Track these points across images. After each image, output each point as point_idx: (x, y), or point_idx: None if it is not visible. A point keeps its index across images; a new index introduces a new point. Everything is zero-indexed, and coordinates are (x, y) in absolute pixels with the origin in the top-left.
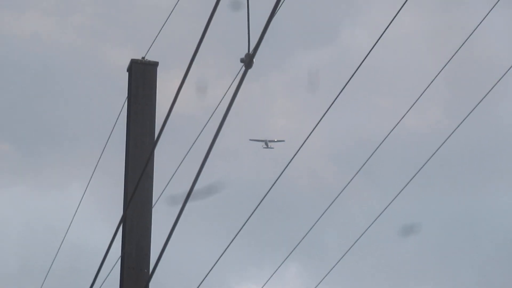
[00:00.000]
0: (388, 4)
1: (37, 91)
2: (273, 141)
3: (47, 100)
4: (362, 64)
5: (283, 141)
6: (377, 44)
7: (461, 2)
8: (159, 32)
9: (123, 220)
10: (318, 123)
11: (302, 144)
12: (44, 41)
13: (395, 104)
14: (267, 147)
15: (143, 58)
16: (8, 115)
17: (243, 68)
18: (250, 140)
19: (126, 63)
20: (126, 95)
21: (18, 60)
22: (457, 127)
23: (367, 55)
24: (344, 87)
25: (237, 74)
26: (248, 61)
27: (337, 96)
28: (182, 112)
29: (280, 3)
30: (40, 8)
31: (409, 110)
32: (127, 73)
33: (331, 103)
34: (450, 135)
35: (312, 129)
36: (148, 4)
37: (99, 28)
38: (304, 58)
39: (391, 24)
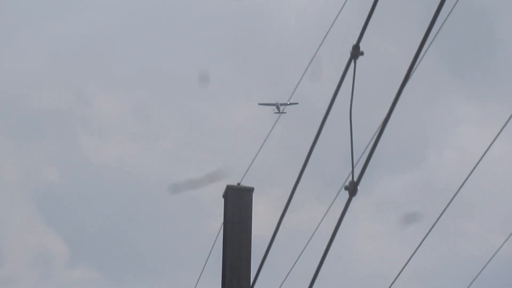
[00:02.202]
0: (477, 126)
1: (126, 217)
2: None
3: (136, 227)
4: (451, 188)
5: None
6: (466, 167)
7: None
8: (254, 158)
9: None
10: (413, 254)
11: (394, 281)
12: (129, 167)
13: (487, 229)
14: None
15: (238, 184)
16: (99, 243)
17: (346, 194)
18: None
19: (221, 189)
20: (221, 221)
21: (106, 187)
22: None
23: (463, 184)
24: (440, 215)
25: (334, 200)
26: (352, 188)
27: (434, 225)
28: (278, 237)
29: (380, 130)
30: (124, 135)
31: (508, 238)
32: (223, 199)
33: (427, 232)
34: None
35: (407, 261)
36: (234, 129)
37: (187, 154)
38: (391, 181)
39: (478, 146)
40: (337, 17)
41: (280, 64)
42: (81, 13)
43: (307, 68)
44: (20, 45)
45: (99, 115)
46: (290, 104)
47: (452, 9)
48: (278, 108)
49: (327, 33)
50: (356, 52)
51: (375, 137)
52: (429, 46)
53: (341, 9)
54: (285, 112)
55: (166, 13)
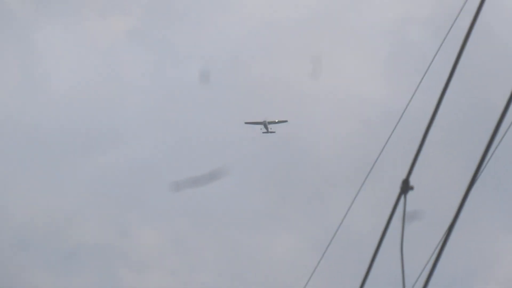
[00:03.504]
0: None
1: None
2: None
3: None
4: None
5: None
6: None
7: None
8: None
9: None
10: None
11: None
12: None
13: None
14: None
15: None
16: None
17: None
18: None
19: None
20: None
21: None
22: None
23: None
24: None
25: None
26: None
27: None
28: None
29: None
30: (164, 268)
31: None
32: None
33: None
34: None
35: None
36: (275, 261)
37: (228, 286)
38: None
39: None
40: (382, 150)
41: (321, 194)
42: (119, 147)
43: (351, 203)
44: (61, 179)
45: (139, 248)
46: (279, 122)
47: (497, 146)
48: (266, 126)
49: (373, 166)
50: (405, 187)
51: (428, 270)
52: (478, 175)
53: (387, 142)
54: (274, 132)
55: (199, 145)
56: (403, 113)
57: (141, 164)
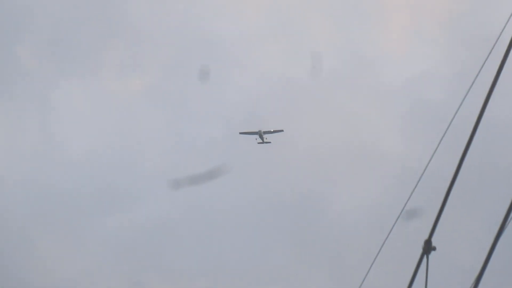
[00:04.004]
0: None
1: None
2: None
3: None
4: None
5: None
6: None
7: None
8: None
9: None
10: None
11: None
12: None
13: None
14: None
15: None
16: None
17: None
18: None
19: None
20: None
21: None
22: None
23: None
24: None
25: None
26: None
27: None
28: None
29: None
30: None
31: None
32: None
33: None
34: None
35: None
36: None
37: None
38: None
39: None
40: (403, 209)
41: (342, 255)
42: (139, 205)
43: (371, 266)
44: (79, 237)
45: None
46: (274, 131)
47: None
48: (261, 136)
49: (393, 225)
50: (428, 247)
51: None
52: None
53: (408, 200)
54: (270, 142)
55: (216, 204)
56: (423, 172)
57: (158, 222)
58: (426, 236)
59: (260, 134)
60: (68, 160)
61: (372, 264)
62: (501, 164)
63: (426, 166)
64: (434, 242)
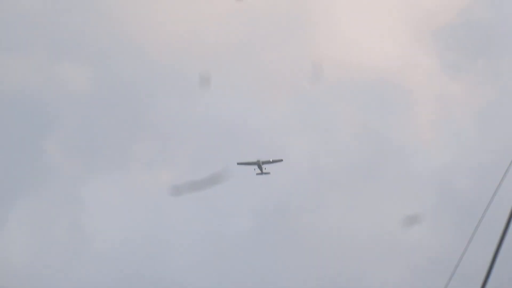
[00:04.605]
0: None
1: None
2: None
3: None
4: None
5: None
6: None
7: None
8: None
9: None
10: None
11: None
12: None
13: None
14: None
15: None
16: None
17: None
18: None
19: None
20: None
21: None
22: None
23: None
24: None
25: None
26: None
27: None
28: None
29: None
30: None
31: None
32: None
33: None
34: None
35: None
36: None
37: None
38: None
39: None
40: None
41: None
42: None
43: None
44: None
45: None
46: (274, 161)
47: None
48: (259, 167)
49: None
50: None
51: None
52: None
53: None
54: (269, 173)
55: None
56: (457, 265)
57: None
58: None
59: (259, 164)
60: (98, 254)
61: None
62: None
63: (461, 258)
64: None
